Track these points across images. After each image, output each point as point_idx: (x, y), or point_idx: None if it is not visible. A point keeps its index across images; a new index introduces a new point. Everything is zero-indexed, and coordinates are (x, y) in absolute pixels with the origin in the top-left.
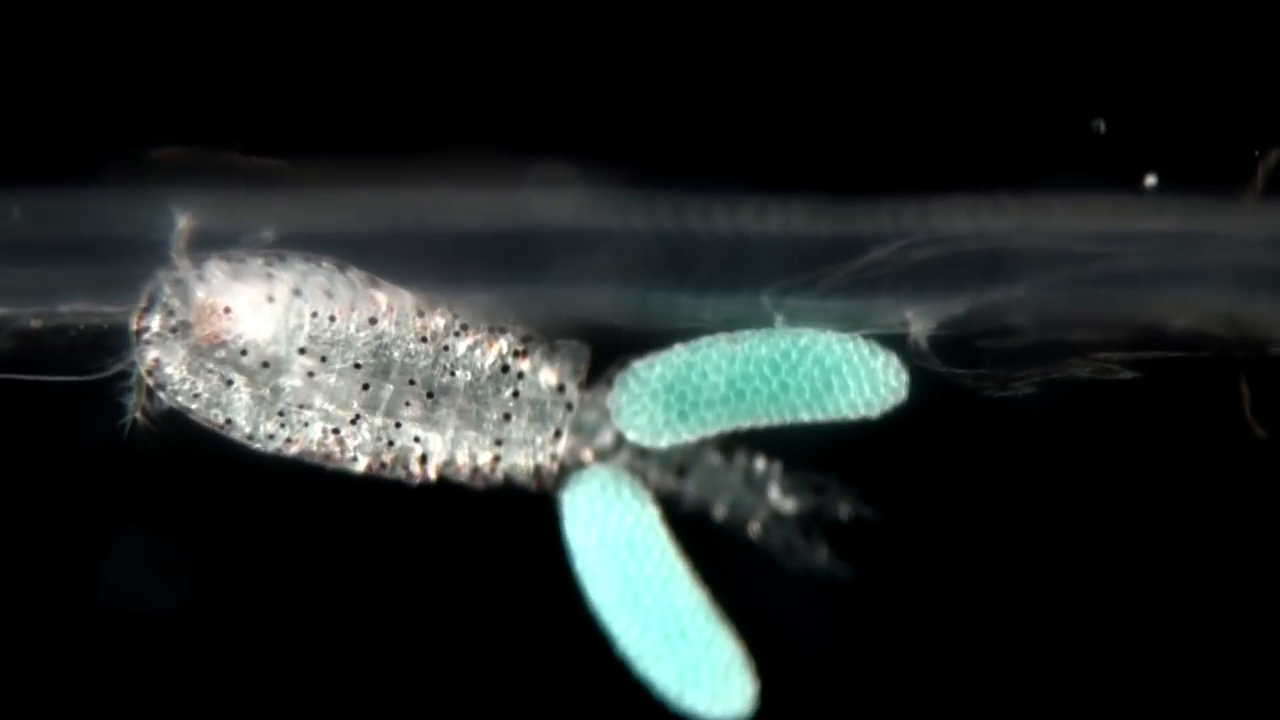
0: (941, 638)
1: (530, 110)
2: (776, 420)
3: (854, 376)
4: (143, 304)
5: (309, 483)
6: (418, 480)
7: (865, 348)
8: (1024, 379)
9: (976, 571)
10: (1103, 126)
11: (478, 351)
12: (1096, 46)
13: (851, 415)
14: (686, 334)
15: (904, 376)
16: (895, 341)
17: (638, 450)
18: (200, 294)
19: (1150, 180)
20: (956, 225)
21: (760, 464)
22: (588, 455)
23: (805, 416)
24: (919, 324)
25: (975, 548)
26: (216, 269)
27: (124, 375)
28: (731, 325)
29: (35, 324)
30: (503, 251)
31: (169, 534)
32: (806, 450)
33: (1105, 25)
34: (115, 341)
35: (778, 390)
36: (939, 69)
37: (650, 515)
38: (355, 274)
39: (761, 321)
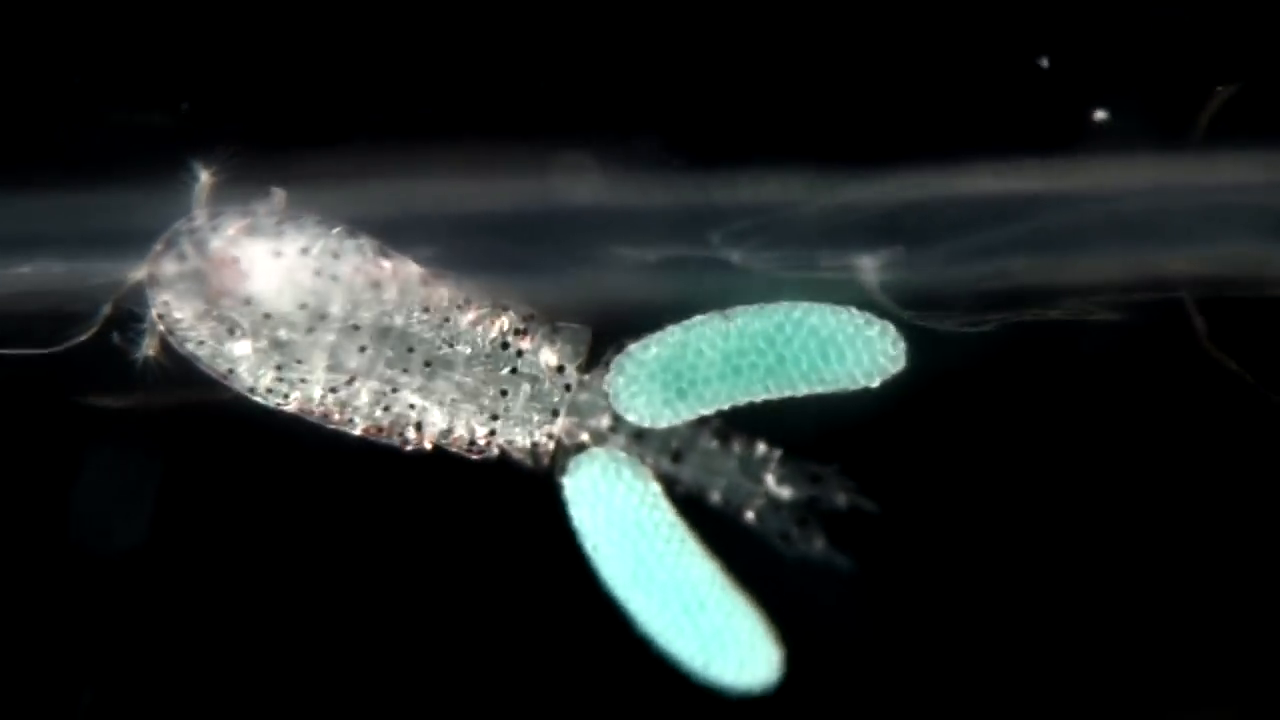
0: (961, 600)
1: (545, 94)
2: (775, 394)
3: (850, 346)
4: (159, 249)
5: (328, 451)
6: (413, 447)
7: (861, 317)
8: (981, 320)
9: (982, 528)
10: (1046, 62)
11: (479, 327)
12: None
13: (850, 385)
14: (700, 306)
15: (901, 345)
16: (846, 285)
17: (635, 433)
18: (213, 244)
19: (1100, 115)
20: (928, 180)
21: (759, 449)
22: (585, 438)
23: (804, 388)
24: (870, 269)
25: (975, 502)
26: (230, 222)
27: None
28: (686, 266)
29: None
30: (525, 235)
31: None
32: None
33: None
34: (81, 309)
35: (774, 363)
36: (921, 31)
37: (653, 492)
38: (366, 241)
39: (769, 293)
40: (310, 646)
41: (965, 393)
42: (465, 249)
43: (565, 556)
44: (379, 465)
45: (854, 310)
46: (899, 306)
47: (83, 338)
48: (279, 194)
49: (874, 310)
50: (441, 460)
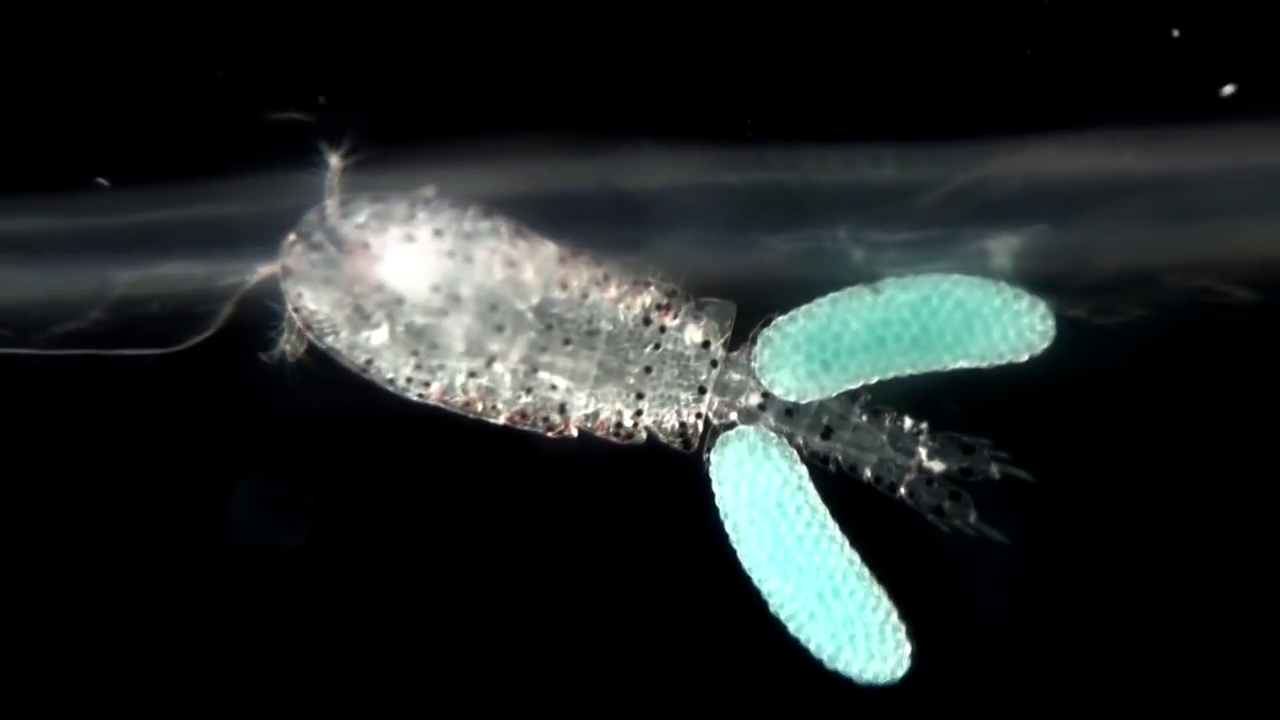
0: (1100, 594)
1: (613, 79)
2: (922, 367)
3: (997, 319)
4: (291, 240)
5: (465, 437)
6: (558, 432)
7: (1010, 290)
8: (1114, 308)
9: (1125, 515)
10: (1177, 32)
11: (621, 304)
12: None
13: (997, 360)
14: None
15: (1051, 319)
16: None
17: (784, 410)
18: (345, 230)
19: (1228, 90)
20: (1039, 162)
21: (908, 424)
22: (734, 416)
23: (950, 362)
24: (1001, 256)
25: (1115, 488)
26: (363, 207)
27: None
28: (812, 263)
29: (130, 293)
30: (596, 214)
31: (295, 478)
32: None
33: None
34: (203, 309)
35: (920, 334)
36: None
37: (799, 475)
38: (501, 222)
39: (842, 258)
40: (455, 625)
41: (1110, 370)
42: (599, 231)
43: (704, 536)
44: (521, 450)
45: (1003, 283)
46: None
47: (206, 335)
48: (429, 189)
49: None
50: (587, 445)
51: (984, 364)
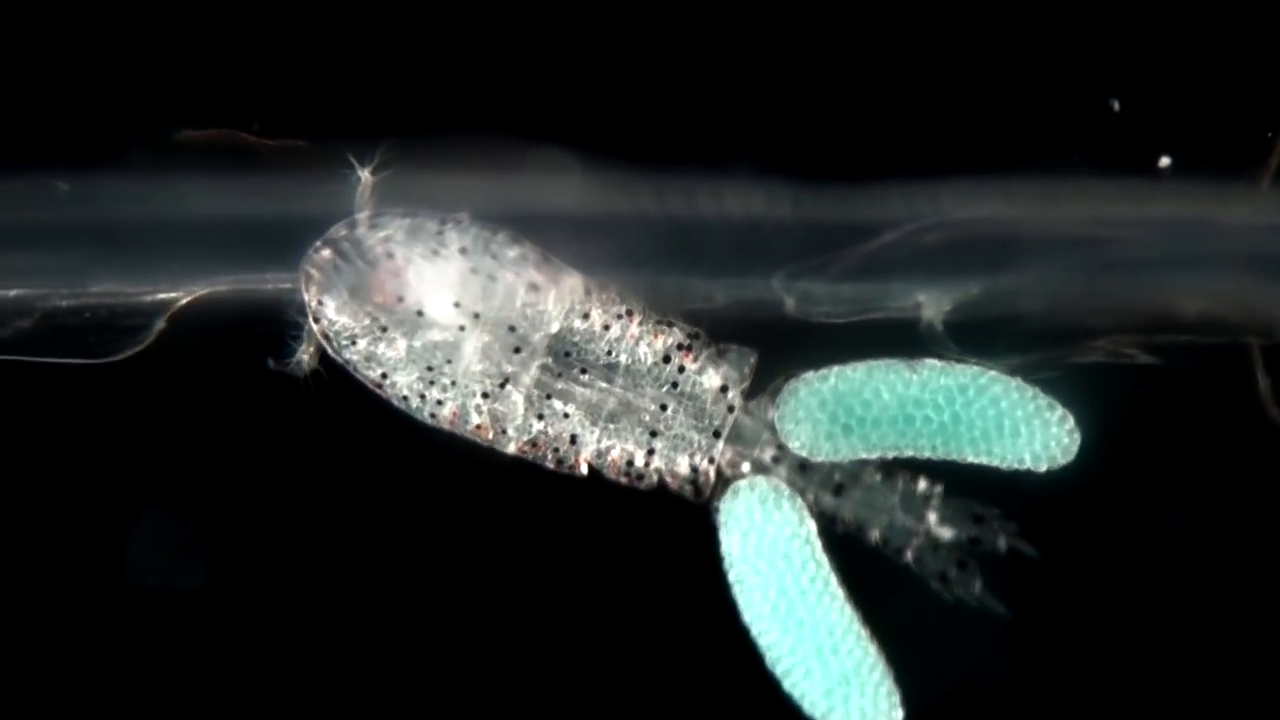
0: (1092, 673)
1: (535, 96)
2: (939, 455)
3: (1027, 425)
4: (317, 249)
5: (475, 472)
6: (569, 467)
7: (1043, 399)
8: (1038, 364)
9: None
10: (1117, 105)
11: (642, 341)
12: (1108, 28)
13: (1016, 465)
14: (698, 318)
15: (1077, 436)
16: (908, 326)
17: (798, 465)
18: (372, 243)
19: (1165, 161)
20: (968, 210)
21: (921, 486)
22: (746, 467)
23: (970, 456)
24: (931, 308)
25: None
26: (390, 221)
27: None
28: (744, 310)
29: (63, 304)
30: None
31: (197, 514)
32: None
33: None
34: (135, 323)
35: (948, 423)
36: (947, 52)
37: (808, 529)
38: (529, 248)
39: (774, 306)
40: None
41: None
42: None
43: (707, 584)
44: (521, 487)
45: (1039, 391)
46: (958, 348)
47: (138, 348)
48: (464, 215)
49: (932, 350)
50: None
51: (1000, 465)
